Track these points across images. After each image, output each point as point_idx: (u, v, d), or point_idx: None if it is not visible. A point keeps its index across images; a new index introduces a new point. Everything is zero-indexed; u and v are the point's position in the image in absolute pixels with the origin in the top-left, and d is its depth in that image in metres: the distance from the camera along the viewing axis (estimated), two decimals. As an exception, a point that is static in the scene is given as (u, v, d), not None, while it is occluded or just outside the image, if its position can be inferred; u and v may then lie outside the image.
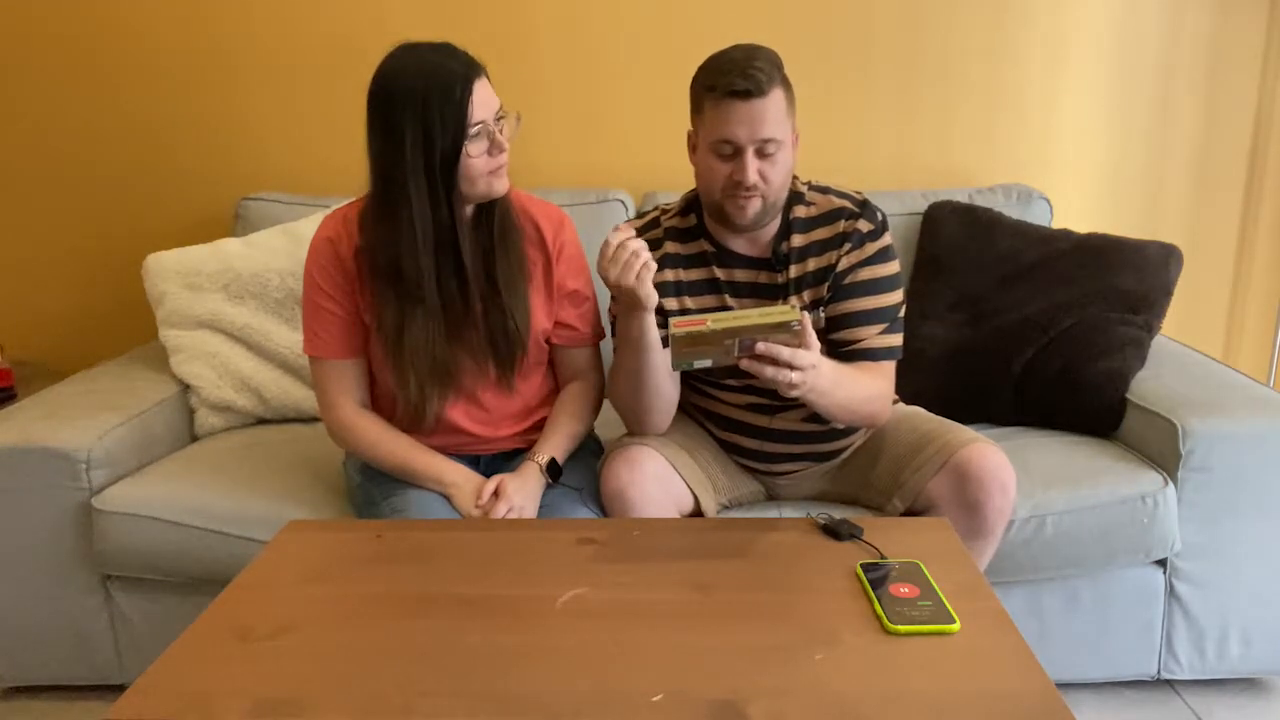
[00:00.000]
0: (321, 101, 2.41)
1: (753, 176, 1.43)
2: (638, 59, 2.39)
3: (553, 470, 1.56)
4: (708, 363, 1.26)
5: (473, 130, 1.40)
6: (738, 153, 1.44)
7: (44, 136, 2.46)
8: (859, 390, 1.46)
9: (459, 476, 1.53)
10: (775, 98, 1.42)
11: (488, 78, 1.44)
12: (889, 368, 1.55)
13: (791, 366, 1.25)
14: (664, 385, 1.52)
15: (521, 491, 1.50)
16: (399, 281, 1.47)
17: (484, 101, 1.41)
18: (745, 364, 1.26)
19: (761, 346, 1.24)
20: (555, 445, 1.59)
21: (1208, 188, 2.46)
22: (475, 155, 1.42)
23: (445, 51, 1.42)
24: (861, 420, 1.54)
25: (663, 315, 1.55)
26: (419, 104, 1.38)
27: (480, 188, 1.45)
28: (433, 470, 1.54)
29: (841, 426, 1.62)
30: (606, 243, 1.38)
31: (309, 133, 2.43)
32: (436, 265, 1.46)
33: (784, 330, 1.23)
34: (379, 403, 1.62)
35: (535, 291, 1.58)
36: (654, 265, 1.38)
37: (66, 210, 2.50)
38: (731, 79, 1.40)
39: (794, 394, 1.30)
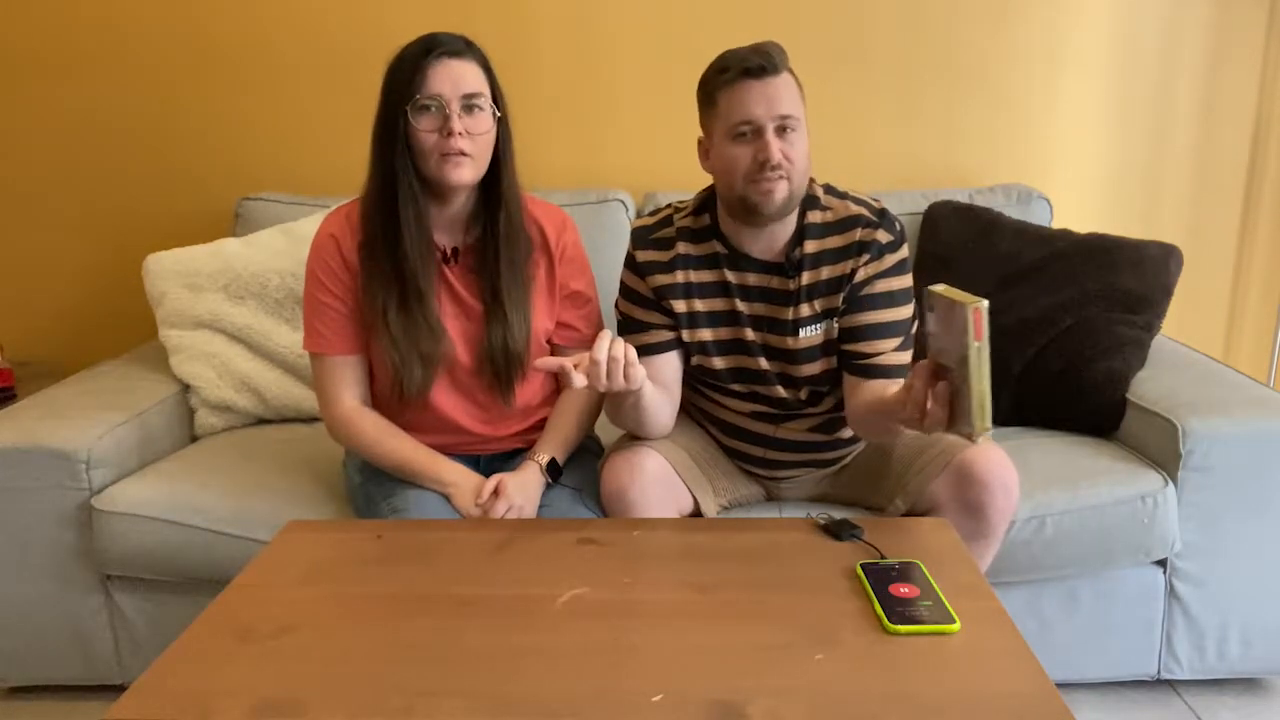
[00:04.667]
0: (321, 101, 2.41)
1: (777, 154, 1.41)
2: (638, 60, 2.39)
3: (553, 470, 1.56)
4: None
5: (422, 100, 1.41)
6: (758, 133, 1.42)
7: (44, 137, 2.46)
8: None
9: (459, 476, 1.53)
10: (788, 79, 1.43)
11: (484, 68, 1.46)
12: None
13: None
14: (663, 411, 1.54)
15: (521, 491, 1.49)
16: (376, 254, 1.49)
17: (447, 78, 1.42)
18: None
19: None
20: (555, 445, 1.59)
21: (1208, 188, 2.46)
22: (423, 130, 1.42)
23: (440, 34, 1.45)
24: (889, 439, 1.60)
25: (672, 317, 1.55)
26: (388, 73, 1.44)
27: (430, 165, 1.44)
28: (432, 470, 1.54)
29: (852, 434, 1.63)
30: (594, 361, 1.30)
31: (308, 133, 2.43)
32: (403, 238, 1.47)
33: None
34: (378, 401, 1.62)
35: (538, 293, 1.58)
36: (634, 358, 1.33)
37: (66, 210, 2.50)
38: (744, 59, 1.41)
39: None
